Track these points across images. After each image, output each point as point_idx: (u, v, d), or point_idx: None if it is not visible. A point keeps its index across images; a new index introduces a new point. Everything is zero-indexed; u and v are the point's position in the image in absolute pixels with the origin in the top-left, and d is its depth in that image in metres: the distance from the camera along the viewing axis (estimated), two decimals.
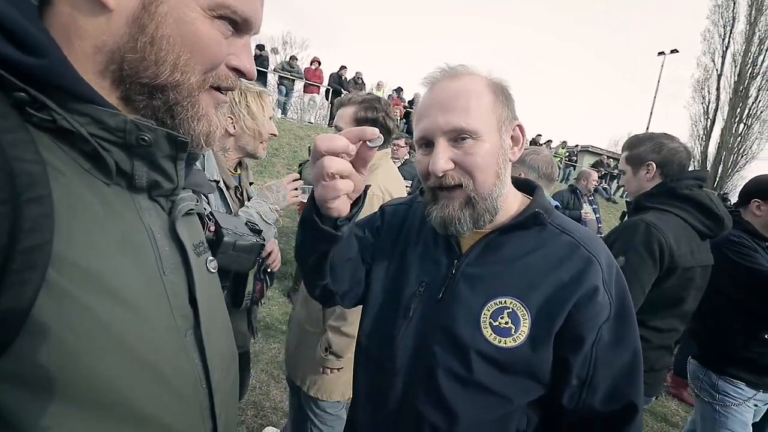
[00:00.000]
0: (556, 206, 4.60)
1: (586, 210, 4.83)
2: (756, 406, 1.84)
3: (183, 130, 0.51)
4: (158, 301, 0.49)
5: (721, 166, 24.86)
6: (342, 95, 1.83)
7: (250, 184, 1.79)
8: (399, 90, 13.29)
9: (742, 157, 24.84)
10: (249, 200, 1.73)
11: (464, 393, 0.74)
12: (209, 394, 0.55)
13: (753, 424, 1.89)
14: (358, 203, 0.68)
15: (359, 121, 1.65)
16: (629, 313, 0.75)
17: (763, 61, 23.80)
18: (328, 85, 12.10)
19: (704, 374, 1.91)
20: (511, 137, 0.81)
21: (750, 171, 24.97)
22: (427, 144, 0.78)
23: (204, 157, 1.35)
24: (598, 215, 4.88)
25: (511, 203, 0.83)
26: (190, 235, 0.59)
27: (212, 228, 0.78)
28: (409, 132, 11.54)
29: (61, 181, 0.41)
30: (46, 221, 0.38)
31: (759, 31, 23.51)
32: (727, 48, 24.53)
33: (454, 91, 0.75)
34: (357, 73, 12.25)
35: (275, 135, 1.70)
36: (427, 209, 0.81)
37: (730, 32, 24.24)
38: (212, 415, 0.55)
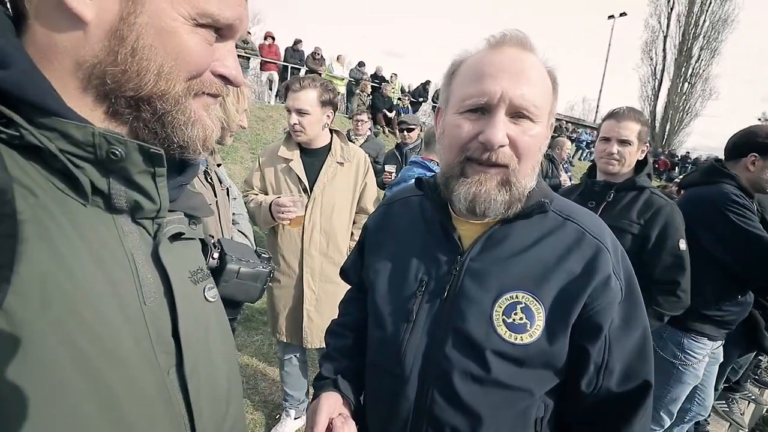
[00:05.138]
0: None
1: (564, 177, 5.01)
2: (711, 357, 1.88)
3: (177, 138, 0.48)
4: (137, 334, 0.45)
5: (669, 124, 26.30)
6: (292, 78, 2.01)
7: (218, 165, 1.72)
8: (361, 64, 12.91)
9: (687, 114, 26.39)
10: (221, 183, 1.66)
11: (484, 392, 0.72)
12: None
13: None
14: None
15: (324, 103, 1.83)
16: (637, 294, 0.75)
17: (704, 22, 24.97)
18: (285, 61, 11.58)
19: (668, 333, 1.84)
20: None
21: (694, 128, 26.63)
22: (480, 110, 0.69)
23: None
24: (572, 182, 5.08)
25: None
26: (183, 261, 0.56)
27: (215, 255, 0.71)
28: (375, 108, 11.36)
29: (30, 201, 0.39)
30: (6, 242, 0.35)
31: None
32: (672, 9, 25.52)
33: (527, 63, 0.68)
34: (315, 48, 11.76)
35: (244, 128, 1.64)
36: (451, 184, 0.73)
37: None
38: None
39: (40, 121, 0.40)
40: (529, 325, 0.70)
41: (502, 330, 0.70)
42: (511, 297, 0.71)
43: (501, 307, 0.71)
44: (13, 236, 0.36)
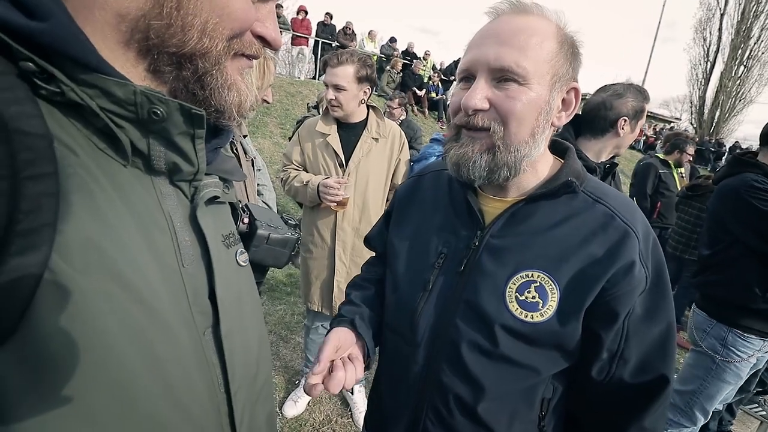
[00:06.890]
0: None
1: None
2: (757, 360, 1.81)
3: (214, 101, 0.47)
4: (175, 295, 0.46)
5: (719, 110, 24.56)
6: (330, 53, 1.96)
7: (244, 137, 1.75)
8: (393, 40, 12.64)
9: (740, 101, 24.48)
10: (246, 155, 1.68)
11: (490, 365, 0.73)
12: (228, 399, 0.52)
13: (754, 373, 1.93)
14: None
15: (360, 79, 1.83)
16: (665, 285, 0.72)
17: None
18: (316, 36, 11.50)
19: (712, 327, 1.81)
20: (563, 100, 0.73)
21: (747, 115, 24.76)
22: (468, 78, 0.71)
23: None
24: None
25: (541, 168, 0.77)
26: (217, 224, 0.56)
27: (245, 219, 0.73)
28: (404, 85, 11.15)
29: (71, 160, 0.38)
30: (48, 201, 0.34)
31: None
32: None
33: (516, 26, 0.68)
34: (347, 22, 11.60)
35: (268, 102, 1.65)
36: (447, 147, 0.75)
37: None
38: (231, 422, 0.52)
39: (80, 77, 0.39)
40: (541, 305, 0.70)
41: (513, 307, 0.71)
42: (527, 275, 0.71)
43: (515, 284, 0.71)
44: (56, 195, 0.35)
